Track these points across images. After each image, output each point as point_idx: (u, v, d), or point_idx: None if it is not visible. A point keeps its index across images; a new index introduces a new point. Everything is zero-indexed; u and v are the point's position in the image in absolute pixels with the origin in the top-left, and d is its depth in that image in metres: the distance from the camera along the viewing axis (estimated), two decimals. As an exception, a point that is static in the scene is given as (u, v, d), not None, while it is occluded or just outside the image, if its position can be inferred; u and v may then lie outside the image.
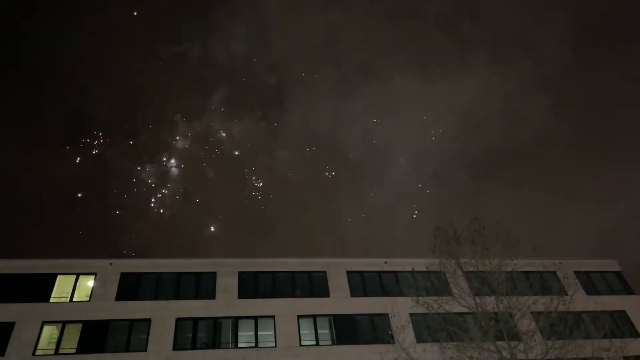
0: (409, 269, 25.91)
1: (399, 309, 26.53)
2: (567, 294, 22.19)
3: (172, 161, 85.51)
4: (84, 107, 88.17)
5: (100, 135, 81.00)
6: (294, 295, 29.01)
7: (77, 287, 27.56)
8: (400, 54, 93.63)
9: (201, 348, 25.96)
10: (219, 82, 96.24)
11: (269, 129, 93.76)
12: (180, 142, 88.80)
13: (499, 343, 18.18)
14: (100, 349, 24.89)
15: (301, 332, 27.15)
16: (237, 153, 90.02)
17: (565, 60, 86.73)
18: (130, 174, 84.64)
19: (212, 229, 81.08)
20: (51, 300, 26.77)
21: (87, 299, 27.06)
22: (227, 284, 28.65)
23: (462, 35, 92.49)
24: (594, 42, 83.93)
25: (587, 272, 33.20)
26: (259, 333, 26.80)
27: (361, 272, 30.77)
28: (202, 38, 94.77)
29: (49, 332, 25.75)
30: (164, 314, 26.58)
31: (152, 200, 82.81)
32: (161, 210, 79.38)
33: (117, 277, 28.00)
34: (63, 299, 27.04)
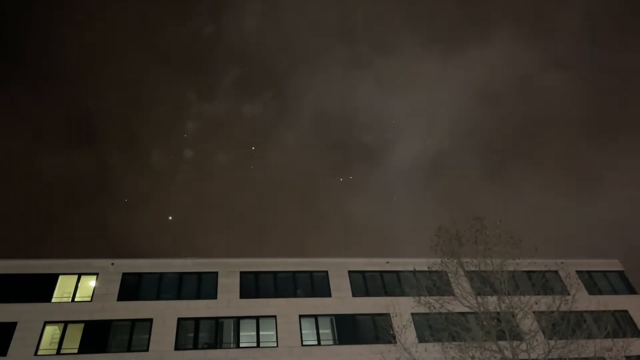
0: (411, 268, 26.05)
1: (401, 309, 26.47)
2: (569, 294, 22.16)
3: (184, 153, 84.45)
4: (87, 104, 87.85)
5: (106, 122, 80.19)
6: (295, 295, 29.00)
7: (79, 287, 27.60)
8: (416, 31, 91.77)
9: (203, 348, 25.98)
10: (230, 62, 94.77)
11: (279, 111, 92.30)
12: (189, 126, 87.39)
13: (501, 343, 18.14)
14: (102, 349, 24.92)
15: (303, 332, 27.14)
16: (244, 139, 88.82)
17: (585, 39, 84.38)
18: (132, 172, 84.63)
19: (214, 228, 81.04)
20: (53, 300, 26.80)
21: (89, 299, 27.09)
22: (228, 284, 28.66)
23: (481, 10, 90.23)
24: (616, 21, 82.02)
25: (589, 272, 33.12)
26: (261, 333, 26.80)
27: (363, 272, 30.75)
28: (214, 15, 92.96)
29: (51, 332, 25.80)
30: (165, 314, 26.60)
31: (154, 198, 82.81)
32: (168, 217, 79.30)
33: (119, 277, 28.04)
34: (65, 299, 27.08)
